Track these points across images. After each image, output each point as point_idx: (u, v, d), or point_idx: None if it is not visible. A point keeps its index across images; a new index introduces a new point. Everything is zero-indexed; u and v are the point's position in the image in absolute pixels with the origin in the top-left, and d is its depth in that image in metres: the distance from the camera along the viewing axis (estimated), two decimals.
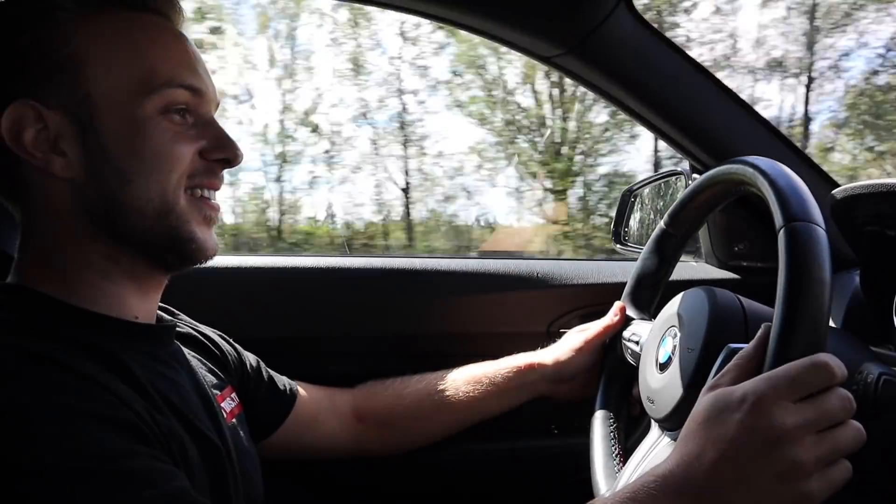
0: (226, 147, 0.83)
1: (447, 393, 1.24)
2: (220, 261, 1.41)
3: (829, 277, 0.70)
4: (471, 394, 1.23)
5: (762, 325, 0.75)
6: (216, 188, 0.84)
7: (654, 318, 1.07)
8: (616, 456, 1.07)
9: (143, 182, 0.77)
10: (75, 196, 0.77)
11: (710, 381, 0.75)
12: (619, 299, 1.22)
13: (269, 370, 1.16)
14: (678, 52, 1.27)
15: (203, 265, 0.84)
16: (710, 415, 0.70)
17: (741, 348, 0.75)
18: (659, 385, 0.94)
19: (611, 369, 1.20)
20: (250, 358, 1.13)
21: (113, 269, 0.80)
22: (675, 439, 0.87)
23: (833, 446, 0.67)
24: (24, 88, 0.74)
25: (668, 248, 1.14)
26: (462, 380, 1.25)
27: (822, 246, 0.71)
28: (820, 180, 1.32)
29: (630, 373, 1.16)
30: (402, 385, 1.27)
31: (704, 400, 0.72)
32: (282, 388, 1.15)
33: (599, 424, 1.13)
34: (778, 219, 0.75)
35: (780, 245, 0.73)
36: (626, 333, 1.16)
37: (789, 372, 0.67)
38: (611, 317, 1.20)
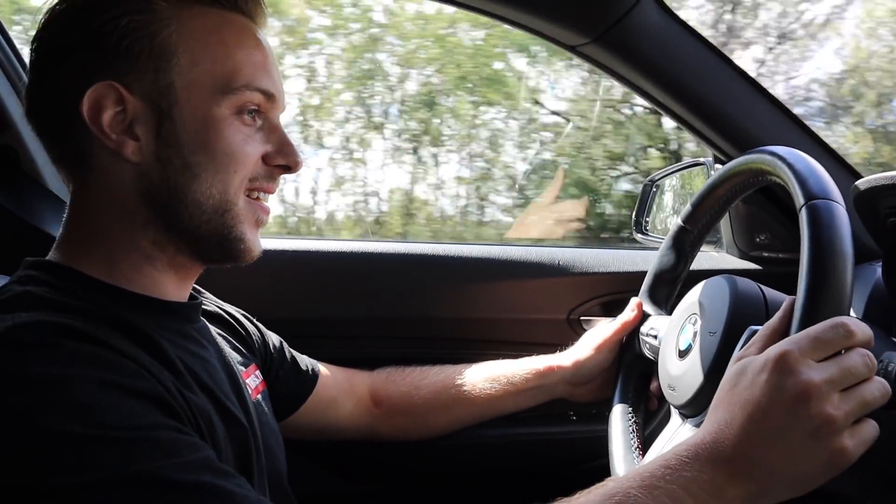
0: (289, 154, 0.84)
1: (465, 388, 1.25)
2: None
3: (851, 250, 0.71)
4: (488, 391, 1.24)
5: (786, 299, 0.76)
6: (272, 192, 0.86)
7: (672, 313, 1.08)
8: (635, 449, 1.08)
9: (209, 178, 0.79)
10: (139, 180, 0.78)
11: (735, 355, 0.76)
12: (639, 288, 1.23)
13: (292, 350, 1.17)
14: (703, 41, 1.27)
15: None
16: (736, 381, 0.71)
17: (748, 353, 0.76)
18: (679, 372, 0.95)
19: (628, 365, 1.20)
20: (273, 338, 1.14)
21: (158, 255, 0.81)
22: (697, 425, 0.88)
23: (860, 401, 0.68)
24: (111, 69, 0.76)
25: (686, 244, 1.14)
26: (481, 377, 1.26)
27: (843, 221, 0.73)
28: (843, 171, 1.32)
29: (647, 368, 1.17)
30: (420, 375, 1.29)
31: (731, 372, 0.74)
32: (304, 368, 1.17)
33: (618, 418, 1.13)
34: (798, 199, 0.76)
35: (801, 223, 0.75)
36: (643, 329, 1.16)
37: (810, 332, 0.69)
38: (628, 313, 1.21)
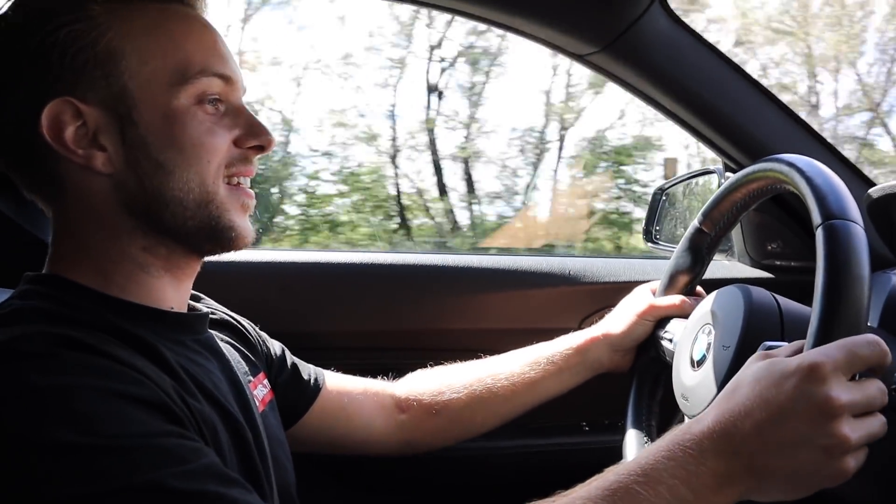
0: (259, 134, 0.83)
1: (501, 376, 1.19)
2: (249, 255, 1.44)
3: (868, 273, 0.70)
4: (528, 375, 1.19)
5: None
6: (251, 175, 0.85)
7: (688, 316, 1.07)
8: None
9: (183, 173, 0.77)
10: (115, 190, 0.77)
11: (759, 352, 0.75)
12: None
13: (296, 359, 1.15)
14: (712, 49, 1.27)
15: (235, 257, 0.85)
16: (761, 376, 0.70)
17: (778, 345, 0.76)
18: (693, 382, 0.94)
19: (642, 369, 1.19)
20: (275, 346, 1.12)
21: (150, 260, 0.81)
22: None
23: (869, 431, 0.68)
24: (61, 85, 0.74)
25: (702, 246, 1.13)
26: (518, 362, 1.21)
27: (861, 244, 0.72)
28: (856, 179, 1.31)
29: (660, 372, 1.16)
30: (449, 371, 1.24)
31: (756, 365, 0.72)
32: (306, 377, 1.13)
33: (632, 444, 1.11)
34: (816, 217, 0.75)
35: (818, 243, 0.73)
36: (660, 331, 1.16)
37: (846, 344, 0.68)
38: (678, 299, 1.16)
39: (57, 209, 0.80)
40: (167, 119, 0.77)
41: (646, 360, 1.19)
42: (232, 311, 1.08)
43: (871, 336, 0.69)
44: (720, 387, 0.86)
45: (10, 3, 0.77)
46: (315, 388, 1.13)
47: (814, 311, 0.71)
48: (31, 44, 0.74)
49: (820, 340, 0.70)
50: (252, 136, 0.83)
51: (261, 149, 0.84)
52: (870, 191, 1.00)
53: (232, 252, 0.84)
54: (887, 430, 0.69)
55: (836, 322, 0.69)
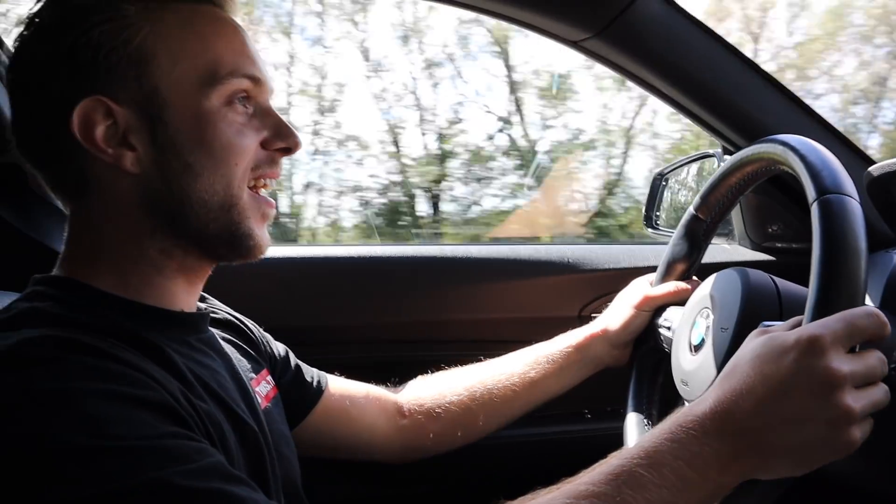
0: (287, 136, 0.83)
1: (501, 378, 1.19)
2: None
3: (865, 248, 0.70)
4: (529, 375, 1.19)
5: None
6: (277, 177, 0.85)
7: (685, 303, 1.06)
8: None
9: (211, 175, 0.78)
10: (141, 191, 0.77)
11: (758, 329, 0.75)
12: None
13: (299, 361, 1.15)
14: (707, 31, 1.26)
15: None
16: (760, 352, 0.70)
17: (775, 329, 0.75)
18: (692, 367, 0.94)
19: (642, 357, 1.19)
20: (279, 347, 1.13)
21: (167, 263, 0.81)
22: None
23: (872, 400, 0.68)
24: (93, 84, 0.75)
25: (699, 232, 1.13)
26: (517, 363, 1.21)
27: (857, 217, 0.71)
28: (856, 158, 1.30)
29: (660, 360, 1.16)
30: (450, 376, 1.24)
31: (755, 341, 0.72)
32: (308, 379, 1.13)
33: (633, 427, 1.11)
34: (810, 193, 0.75)
35: (813, 219, 0.73)
36: (658, 319, 1.15)
37: (845, 316, 0.68)
38: (673, 286, 1.15)
39: (79, 208, 0.80)
40: (197, 120, 0.77)
41: (645, 349, 1.18)
42: (232, 307, 1.08)
43: (869, 307, 0.68)
44: (719, 369, 0.86)
45: (44, 2, 0.78)
46: (318, 391, 1.14)
47: (811, 286, 0.71)
48: (65, 43, 0.74)
49: (818, 314, 0.69)
50: (280, 138, 0.83)
51: (287, 150, 0.85)
52: (870, 169, 0.99)
53: (246, 260, 0.84)
54: (887, 406, 0.69)
55: (833, 295, 0.69)
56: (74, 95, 0.74)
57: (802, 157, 0.78)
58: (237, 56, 0.80)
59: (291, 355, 1.14)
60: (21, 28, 0.78)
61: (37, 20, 0.77)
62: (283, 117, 0.84)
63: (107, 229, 0.79)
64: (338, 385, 1.18)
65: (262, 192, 0.84)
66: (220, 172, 0.78)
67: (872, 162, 1.25)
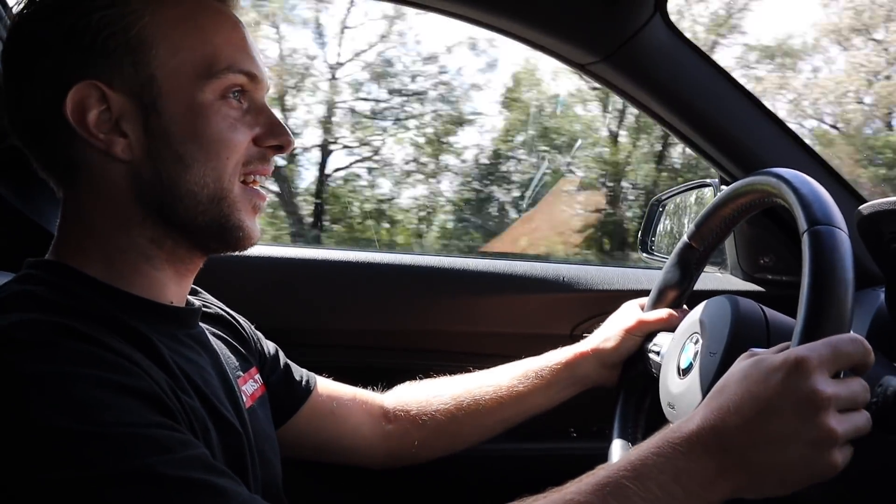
0: (279, 134, 0.83)
1: (489, 389, 1.18)
2: (249, 250, 1.44)
3: (852, 277, 0.72)
4: (516, 389, 1.18)
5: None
6: (267, 174, 0.85)
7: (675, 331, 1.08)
8: None
9: (201, 167, 0.78)
10: (131, 178, 0.78)
11: (747, 352, 0.76)
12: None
13: (288, 360, 1.15)
14: (711, 63, 1.28)
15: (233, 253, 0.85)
16: (748, 372, 0.71)
17: (764, 352, 0.77)
18: (679, 390, 0.95)
19: (630, 382, 1.19)
20: (269, 345, 1.13)
21: (156, 252, 0.81)
22: None
23: (854, 425, 0.69)
24: (89, 68, 0.74)
25: (691, 261, 1.14)
26: (506, 376, 1.20)
27: (845, 248, 0.73)
28: (847, 195, 1.32)
29: (647, 386, 1.16)
30: (437, 384, 1.23)
31: (743, 363, 0.73)
32: (297, 378, 1.13)
33: (617, 453, 1.11)
34: (801, 223, 0.77)
35: (803, 248, 0.75)
36: (648, 344, 1.16)
37: (831, 341, 0.69)
38: (665, 313, 1.15)
39: (69, 192, 0.80)
40: (191, 111, 0.77)
41: (633, 373, 1.19)
42: (226, 305, 1.08)
43: (854, 335, 0.70)
44: (706, 392, 0.87)
45: None
46: (305, 390, 1.13)
47: (799, 312, 0.72)
48: (64, 24, 0.75)
49: (806, 338, 0.71)
50: (272, 136, 0.83)
51: (280, 149, 0.85)
52: (860, 207, 1.01)
53: (236, 252, 0.85)
54: (867, 439, 0.70)
55: (821, 320, 0.71)
56: (70, 78, 0.74)
57: (795, 190, 0.80)
58: (235, 51, 0.80)
59: (281, 354, 1.14)
60: (20, 5, 0.78)
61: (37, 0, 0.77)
62: (278, 115, 0.84)
63: (96, 216, 0.79)
64: (325, 386, 1.17)
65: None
66: (211, 165, 0.78)
67: (863, 200, 1.28)
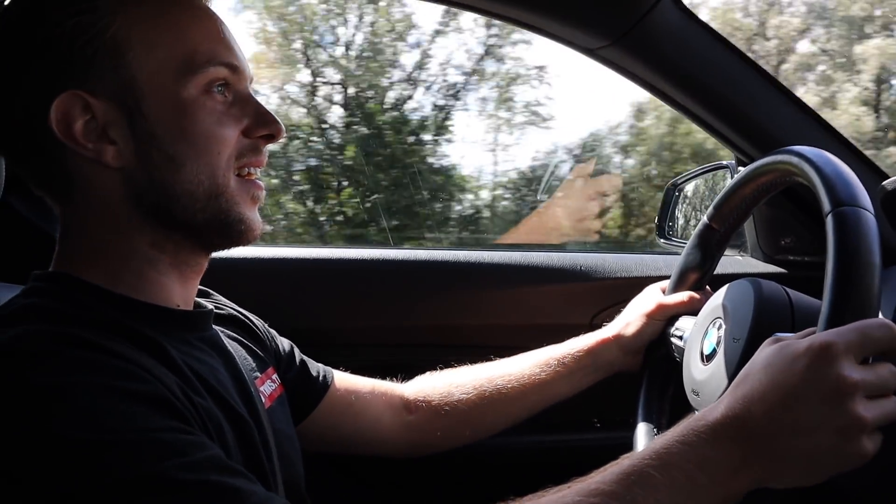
0: (269, 123, 0.82)
1: (511, 378, 1.18)
2: (259, 251, 1.45)
3: (879, 261, 0.70)
4: (538, 377, 1.17)
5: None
6: (261, 165, 0.84)
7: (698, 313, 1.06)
8: None
9: (194, 165, 0.77)
10: (125, 185, 0.77)
11: (771, 338, 0.74)
12: None
13: (304, 356, 1.14)
14: (723, 42, 1.26)
15: (244, 254, 0.85)
16: (773, 360, 0.69)
17: (788, 337, 0.75)
18: (703, 377, 0.93)
19: (653, 366, 1.18)
20: (284, 343, 1.12)
21: (158, 257, 0.80)
22: None
23: (885, 412, 0.67)
24: (69, 78, 0.73)
25: (712, 242, 1.12)
26: (527, 364, 1.19)
27: (871, 230, 0.71)
28: (869, 171, 1.29)
29: (671, 370, 1.15)
30: (458, 372, 1.23)
31: (767, 349, 0.72)
32: (314, 374, 1.13)
33: (643, 437, 1.11)
34: (825, 205, 0.75)
35: (827, 231, 0.73)
36: (670, 328, 1.15)
37: (858, 326, 0.67)
38: (686, 296, 1.14)
39: (66, 205, 0.80)
40: (176, 110, 0.76)
41: (656, 358, 1.18)
42: (242, 307, 1.08)
43: (882, 319, 0.68)
44: (731, 379, 0.85)
45: None
46: (323, 386, 1.13)
47: (825, 297, 0.71)
48: (39, 35, 0.73)
49: (831, 323, 0.69)
50: (261, 126, 0.82)
51: (270, 137, 0.83)
52: (884, 183, 0.99)
53: (240, 246, 0.84)
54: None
55: (847, 306, 0.69)
56: (51, 90, 0.73)
57: (818, 169, 0.78)
58: (213, 44, 0.79)
59: (297, 351, 1.14)
60: None
61: (8, 12, 0.76)
62: (264, 104, 0.83)
63: (95, 226, 0.78)
64: (343, 380, 1.17)
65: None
66: (203, 162, 0.77)
67: (886, 176, 1.25)
